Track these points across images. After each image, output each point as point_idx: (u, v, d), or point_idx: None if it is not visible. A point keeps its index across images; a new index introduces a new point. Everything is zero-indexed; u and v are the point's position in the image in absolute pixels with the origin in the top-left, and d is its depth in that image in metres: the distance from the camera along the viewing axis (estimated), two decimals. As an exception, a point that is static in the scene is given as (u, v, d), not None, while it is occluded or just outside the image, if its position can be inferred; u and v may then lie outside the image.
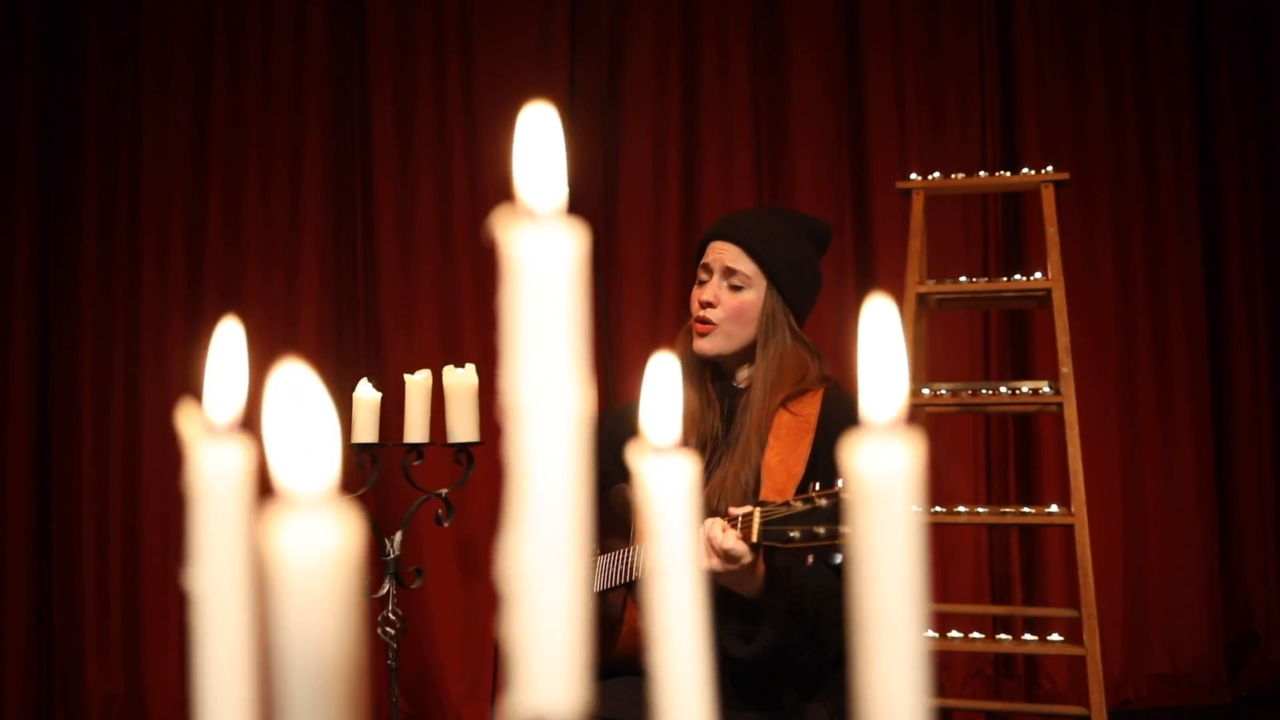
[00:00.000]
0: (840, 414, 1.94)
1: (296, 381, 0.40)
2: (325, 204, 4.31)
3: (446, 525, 2.86)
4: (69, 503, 4.17)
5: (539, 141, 0.41)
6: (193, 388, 4.08)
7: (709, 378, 2.09)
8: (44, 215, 4.28)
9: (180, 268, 4.25)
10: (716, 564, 1.70)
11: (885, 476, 0.43)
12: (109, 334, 4.21)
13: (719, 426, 2.05)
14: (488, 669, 4.06)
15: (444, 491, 2.63)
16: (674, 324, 4.18)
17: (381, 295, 4.28)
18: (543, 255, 0.39)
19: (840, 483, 1.62)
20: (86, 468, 4.15)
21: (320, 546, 0.37)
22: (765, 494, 1.85)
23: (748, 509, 1.70)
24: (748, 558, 1.69)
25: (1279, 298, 4.49)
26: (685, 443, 1.81)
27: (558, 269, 0.39)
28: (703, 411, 2.06)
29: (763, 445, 1.94)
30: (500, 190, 4.16)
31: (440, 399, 2.59)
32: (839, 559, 1.61)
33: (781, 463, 1.89)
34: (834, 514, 1.60)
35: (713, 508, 1.95)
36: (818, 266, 2.09)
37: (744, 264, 2.01)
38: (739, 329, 2.02)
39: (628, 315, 4.31)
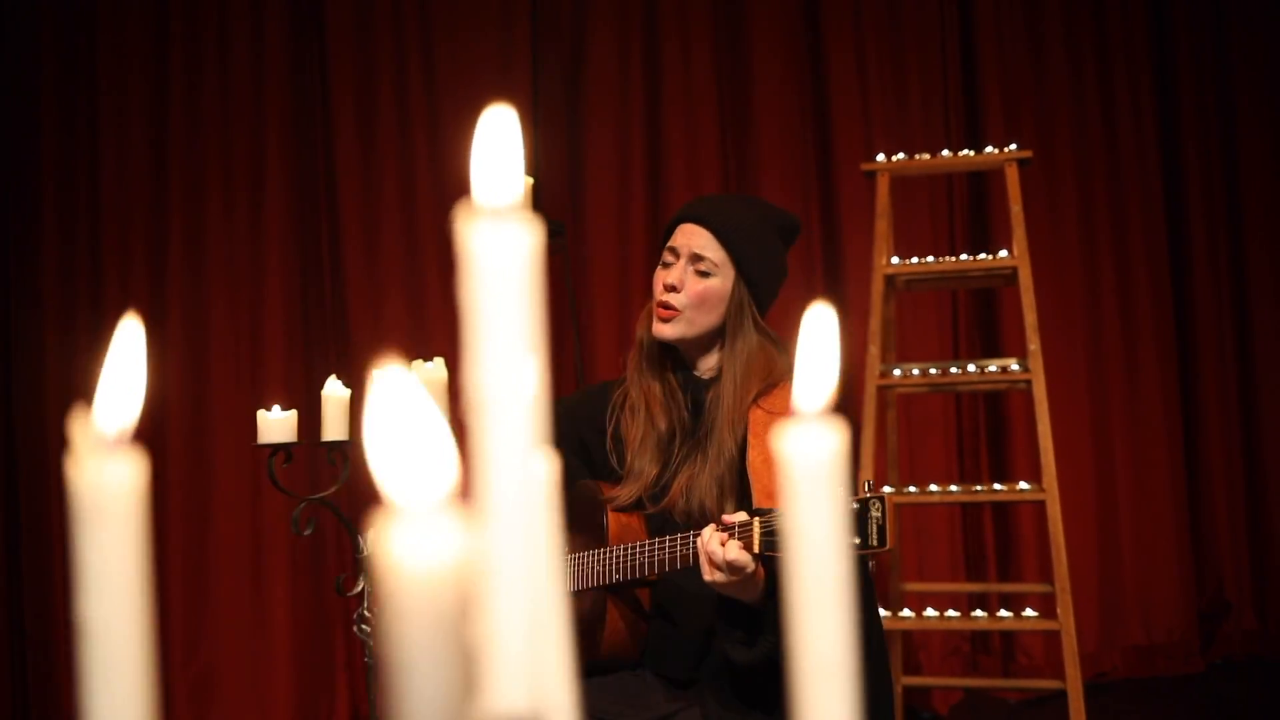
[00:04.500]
0: None
1: (401, 386, 0.36)
2: (289, 208, 4.25)
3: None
4: (38, 514, 4.11)
5: (497, 141, 0.42)
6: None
7: (670, 366, 2.04)
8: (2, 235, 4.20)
9: (143, 271, 4.19)
10: (720, 576, 1.67)
11: (815, 462, 0.44)
12: (71, 336, 4.15)
13: (685, 418, 2.00)
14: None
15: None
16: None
17: (349, 297, 4.24)
18: (500, 251, 0.39)
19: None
20: (53, 479, 4.09)
21: (438, 556, 0.35)
22: (757, 497, 1.80)
23: (744, 517, 1.68)
24: (751, 568, 1.67)
25: (1243, 267, 4.52)
26: (651, 430, 1.74)
27: (515, 264, 0.39)
28: (666, 401, 2.01)
29: (738, 443, 1.90)
30: (464, 189, 4.12)
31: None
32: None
33: (767, 464, 1.84)
34: None
35: (685, 503, 1.92)
36: (784, 259, 2.05)
37: (713, 250, 1.96)
38: (701, 316, 1.97)
39: (597, 309, 4.30)
